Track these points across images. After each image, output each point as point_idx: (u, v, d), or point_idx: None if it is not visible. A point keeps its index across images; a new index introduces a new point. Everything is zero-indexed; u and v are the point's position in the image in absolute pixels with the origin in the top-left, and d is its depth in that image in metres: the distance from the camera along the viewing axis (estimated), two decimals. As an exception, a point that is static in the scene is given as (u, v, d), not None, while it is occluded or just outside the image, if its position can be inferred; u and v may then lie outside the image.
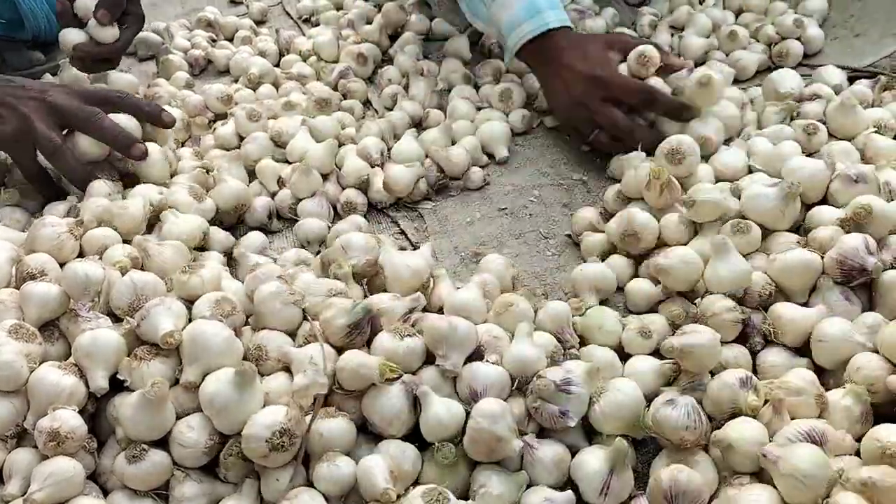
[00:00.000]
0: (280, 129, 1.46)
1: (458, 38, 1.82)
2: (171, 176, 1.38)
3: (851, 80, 1.50)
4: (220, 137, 1.52)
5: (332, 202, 1.37)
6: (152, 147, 1.31)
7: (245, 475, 0.90)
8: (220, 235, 1.27)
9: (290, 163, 1.42)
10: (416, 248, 1.25)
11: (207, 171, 1.36)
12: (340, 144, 1.47)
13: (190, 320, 0.97)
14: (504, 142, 1.47)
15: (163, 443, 0.92)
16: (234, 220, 1.34)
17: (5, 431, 0.91)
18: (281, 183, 1.40)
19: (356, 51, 1.76)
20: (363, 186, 1.38)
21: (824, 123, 1.33)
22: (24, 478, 0.87)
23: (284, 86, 1.73)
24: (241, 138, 1.50)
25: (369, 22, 1.93)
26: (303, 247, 1.29)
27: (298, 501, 0.85)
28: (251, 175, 1.43)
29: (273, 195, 1.39)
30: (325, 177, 1.39)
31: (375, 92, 1.72)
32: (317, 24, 2.03)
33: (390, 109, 1.62)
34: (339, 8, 2.10)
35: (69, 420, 0.88)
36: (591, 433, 0.94)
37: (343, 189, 1.38)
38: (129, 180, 1.32)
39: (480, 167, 1.45)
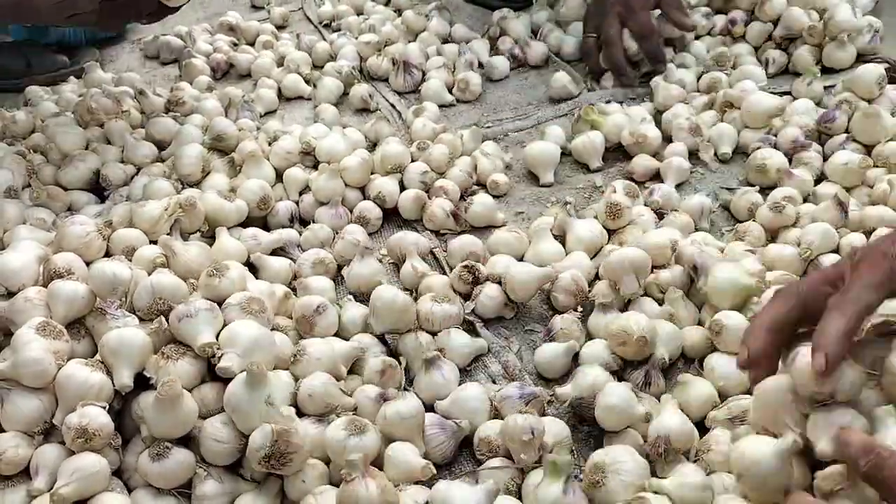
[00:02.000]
0: (309, 139, 1.47)
1: (477, 42, 1.84)
2: (204, 174, 1.39)
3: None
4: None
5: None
6: None
7: (269, 473, 0.91)
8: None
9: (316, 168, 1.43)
10: (443, 271, 1.25)
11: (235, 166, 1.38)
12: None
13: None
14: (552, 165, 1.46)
15: (186, 440, 0.93)
16: (258, 223, 1.34)
17: (33, 427, 0.92)
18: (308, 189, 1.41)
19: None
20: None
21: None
22: (51, 473, 0.88)
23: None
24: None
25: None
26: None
27: (324, 499, 0.85)
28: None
29: (297, 202, 1.39)
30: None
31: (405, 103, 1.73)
32: (338, 29, 2.04)
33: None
34: (359, 13, 2.11)
35: (97, 417, 0.89)
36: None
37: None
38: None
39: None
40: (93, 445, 0.89)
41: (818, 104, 1.49)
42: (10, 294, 1.04)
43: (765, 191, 1.32)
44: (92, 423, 0.89)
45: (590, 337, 1.10)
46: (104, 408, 0.91)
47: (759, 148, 1.39)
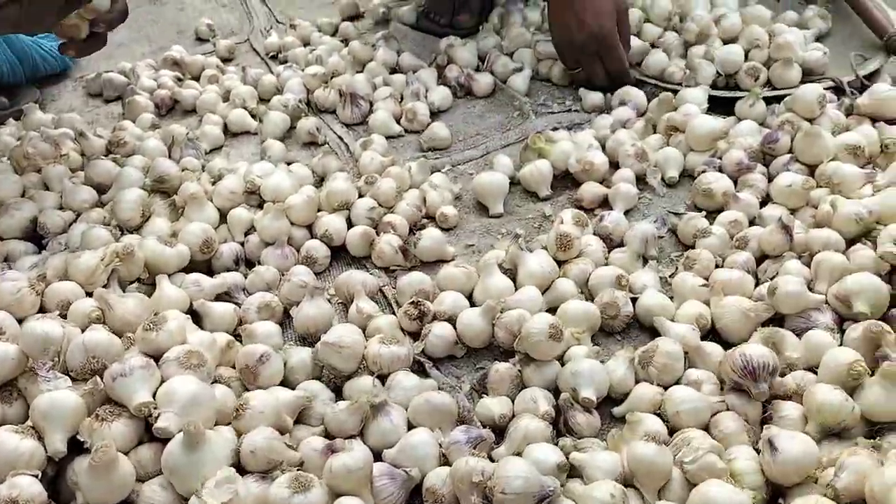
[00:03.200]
0: (253, 178, 1.44)
1: (425, 71, 1.84)
2: (144, 218, 1.36)
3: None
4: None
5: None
6: None
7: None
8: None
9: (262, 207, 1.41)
10: (393, 310, 1.23)
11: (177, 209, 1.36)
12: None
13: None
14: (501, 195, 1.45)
15: (126, 505, 0.90)
16: (202, 267, 1.31)
17: (-39, 500, 0.88)
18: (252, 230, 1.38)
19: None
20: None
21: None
22: (-18, 549, 0.84)
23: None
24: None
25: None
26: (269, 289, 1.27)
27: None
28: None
29: (242, 243, 1.37)
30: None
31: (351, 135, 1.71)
32: (284, 61, 2.02)
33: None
34: (306, 44, 2.10)
35: (28, 487, 0.86)
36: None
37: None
38: None
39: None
40: (24, 517, 0.85)
41: (762, 125, 1.51)
42: (-63, 356, 1.00)
43: (711, 214, 1.33)
44: (23, 493, 0.85)
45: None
46: (36, 476, 0.87)
47: (704, 171, 1.40)
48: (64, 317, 1.07)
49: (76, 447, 0.92)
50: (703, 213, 1.33)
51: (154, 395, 0.93)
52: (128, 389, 0.92)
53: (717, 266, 1.22)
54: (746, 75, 1.61)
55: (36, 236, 1.40)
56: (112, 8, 1.37)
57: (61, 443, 0.90)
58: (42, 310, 1.11)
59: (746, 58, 1.65)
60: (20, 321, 1.05)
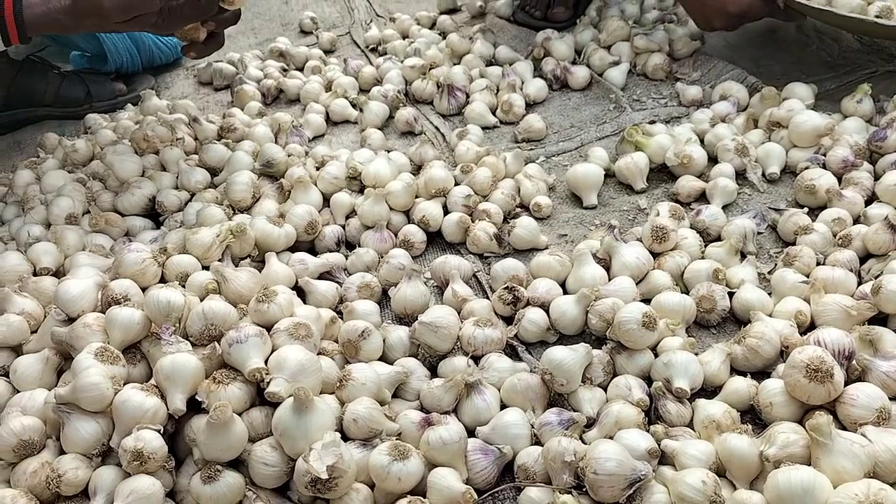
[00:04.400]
0: (355, 164, 1.50)
1: (521, 63, 1.86)
2: (254, 199, 1.44)
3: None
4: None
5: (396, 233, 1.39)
6: None
7: (315, 497, 0.93)
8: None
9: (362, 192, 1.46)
10: (486, 294, 1.26)
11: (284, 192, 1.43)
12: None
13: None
14: (596, 187, 1.46)
15: (236, 463, 0.96)
16: (306, 247, 1.37)
17: (92, 450, 0.96)
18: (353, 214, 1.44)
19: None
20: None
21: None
22: (108, 494, 0.92)
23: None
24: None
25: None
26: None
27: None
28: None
29: (344, 226, 1.43)
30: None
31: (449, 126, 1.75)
32: (384, 53, 2.08)
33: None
34: (405, 37, 2.15)
35: (152, 441, 0.93)
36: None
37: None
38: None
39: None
40: (148, 468, 0.92)
41: (869, 122, 1.47)
42: (70, 320, 1.09)
43: (814, 212, 1.31)
44: (147, 446, 0.92)
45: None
46: (158, 431, 0.94)
47: (807, 168, 1.37)
48: (182, 287, 1.14)
49: (194, 407, 0.99)
50: (805, 209, 1.31)
51: (266, 362, 0.99)
52: (242, 355, 0.98)
53: (818, 263, 1.20)
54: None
55: (154, 213, 1.50)
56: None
57: (181, 402, 0.97)
58: (162, 280, 1.18)
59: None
60: (143, 290, 1.13)
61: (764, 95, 1.55)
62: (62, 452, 0.97)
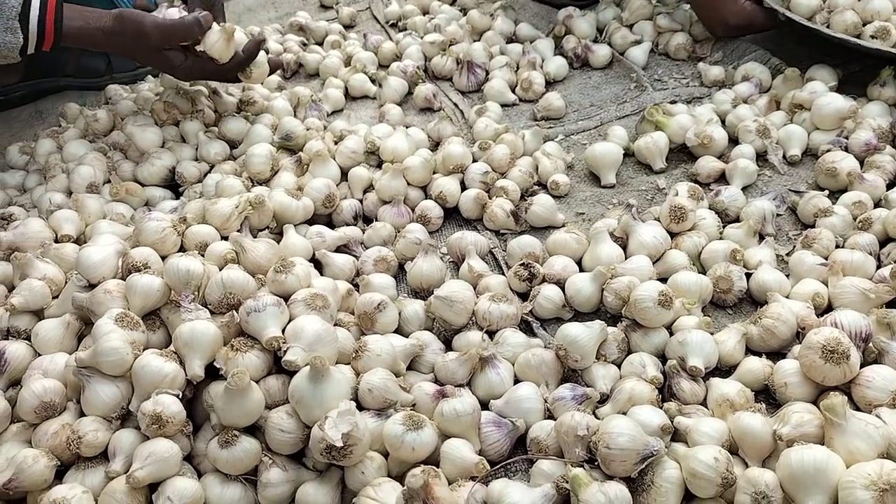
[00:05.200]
0: (374, 139, 1.50)
1: (542, 41, 1.85)
2: (273, 172, 1.44)
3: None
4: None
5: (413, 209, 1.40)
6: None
7: (331, 464, 0.94)
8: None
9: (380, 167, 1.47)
10: (502, 271, 1.26)
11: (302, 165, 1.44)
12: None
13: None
14: (614, 166, 1.46)
15: (253, 429, 0.97)
16: (323, 221, 1.38)
17: (111, 413, 0.98)
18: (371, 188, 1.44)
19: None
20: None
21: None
22: (127, 456, 0.94)
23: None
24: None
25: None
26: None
27: (382, 490, 0.88)
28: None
29: (361, 200, 1.43)
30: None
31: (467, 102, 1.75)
32: (404, 29, 2.08)
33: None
34: (425, 12, 2.14)
35: (170, 405, 0.94)
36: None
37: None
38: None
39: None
40: (166, 431, 0.94)
41: (893, 106, 1.45)
42: (91, 286, 1.11)
43: (834, 195, 1.30)
44: (165, 410, 0.94)
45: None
46: (177, 396, 0.96)
47: (829, 150, 1.36)
48: (201, 257, 1.15)
49: (212, 374, 1.00)
50: (826, 192, 1.30)
51: (283, 332, 1.00)
52: (260, 324, 0.99)
53: (837, 246, 1.20)
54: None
55: (173, 184, 1.51)
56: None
57: (200, 368, 0.98)
58: (181, 250, 1.20)
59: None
60: (162, 258, 1.14)
61: (787, 77, 1.54)
62: (82, 415, 0.99)
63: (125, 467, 0.93)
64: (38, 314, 1.15)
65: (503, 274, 1.24)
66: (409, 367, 1.09)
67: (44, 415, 0.99)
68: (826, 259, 1.16)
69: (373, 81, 1.83)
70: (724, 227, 1.27)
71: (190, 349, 0.99)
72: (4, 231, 1.31)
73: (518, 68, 1.79)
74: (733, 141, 1.45)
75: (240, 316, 1.02)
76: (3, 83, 1.89)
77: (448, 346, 1.13)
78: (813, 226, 1.25)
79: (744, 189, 1.35)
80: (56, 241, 1.29)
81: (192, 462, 0.99)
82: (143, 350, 1.00)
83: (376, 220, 1.37)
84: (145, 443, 0.94)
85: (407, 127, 1.60)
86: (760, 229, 1.25)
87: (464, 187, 1.41)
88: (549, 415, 1.00)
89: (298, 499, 0.93)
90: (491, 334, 1.12)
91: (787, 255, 1.22)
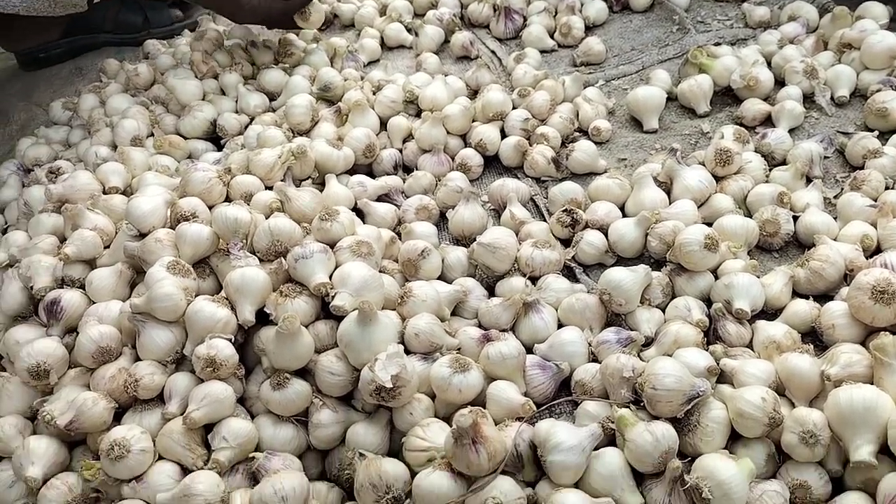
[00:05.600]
0: (412, 88, 1.49)
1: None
2: (313, 123, 1.45)
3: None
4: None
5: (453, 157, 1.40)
6: None
7: (379, 405, 0.96)
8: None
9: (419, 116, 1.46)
10: (544, 217, 1.26)
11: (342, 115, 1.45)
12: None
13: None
14: (657, 111, 1.44)
15: (303, 372, 1.00)
16: (363, 171, 1.39)
17: (166, 357, 1.00)
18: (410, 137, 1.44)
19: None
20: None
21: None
22: (183, 398, 0.97)
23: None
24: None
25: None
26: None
27: (430, 430, 0.90)
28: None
29: (401, 150, 1.43)
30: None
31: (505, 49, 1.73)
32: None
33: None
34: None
35: (224, 349, 0.97)
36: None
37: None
38: None
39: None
40: (220, 374, 0.96)
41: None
42: (141, 235, 1.13)
43: (884, 136, 1.26)
44: (219, 354, 0.96)
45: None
46: (230, 340, 0.99)
47: (879, 90, 1.32)
48: (247, 205, 1.16)
49: (261, 320, 1.02)
50: (875, 133, 1.26)
51: (330, 278, 1.01)
52: (308, 270, 1.01)
53: (887, 188, 1.17)
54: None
55: (214, 137, 1.53)
56: None
57: (251, 313, 1.00)
58: (227, 199, 1.21)
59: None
60: (209, 208, 1.16)
61: (836, 15, 1.49)
62: (137, 359, 1.02)
63: (181, 409, 0.96)
64: (91, 263, 1.18)
65: (545, 221, 1.24)
66: (454, 313, 1.11)
67: (101, 359, 1.02)
68: (875, 201, 1.14)
69: (409, 30, 1.81)
70: (770, 170, 1.25)
71: (241, 295, 1.01)
72: (54, 184, 1.34)
73: (556, 13, 1.76)
74: (779, 83, 1.42)
75: (287, 263, 1.03)
76: (43, 40, 1.91)
77: (491, 293, 1.14)
78: (862, 167, 1.23)
79: (790, 131, 1.32)
80: (104, 192, 1.32)
81: (245, 404, 1.02)
82: (196, 297, 1.02)
83: (416, 169, 1.38)
84: (200, 385, 0.97)
85: (445, 75, 1.59)
86: (808, 172, 1.23)
87: (504, 135, 1.40)
88: (594, 358, 1.01)
89: (349, 439, 0.95)
90: (534, 280, 1.13)
91: (835, 197, 1.20)
